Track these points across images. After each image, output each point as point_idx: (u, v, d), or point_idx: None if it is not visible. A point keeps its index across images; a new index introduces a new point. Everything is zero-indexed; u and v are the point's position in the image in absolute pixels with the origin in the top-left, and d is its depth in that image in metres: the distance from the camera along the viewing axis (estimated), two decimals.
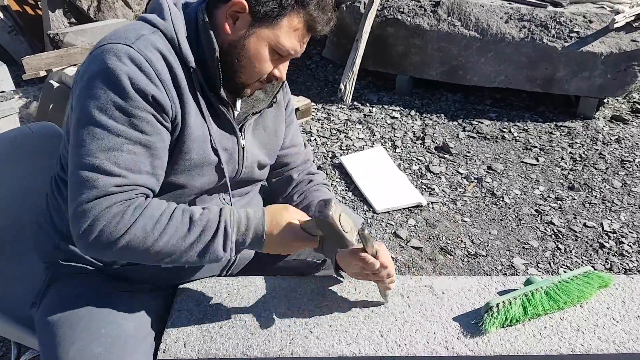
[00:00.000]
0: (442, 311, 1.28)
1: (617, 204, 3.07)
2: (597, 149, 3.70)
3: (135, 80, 1.03)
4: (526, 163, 3.54)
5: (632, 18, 3.98)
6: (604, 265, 2.57)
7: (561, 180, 3.34)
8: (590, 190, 3.22)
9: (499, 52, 4.18)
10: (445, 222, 2.92)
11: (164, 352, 1.15)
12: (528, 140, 3.83)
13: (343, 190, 3.20)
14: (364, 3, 4.60)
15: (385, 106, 4.33)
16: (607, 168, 3.47)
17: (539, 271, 2.54)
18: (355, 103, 4.37)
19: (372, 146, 3.72)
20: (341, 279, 1.36)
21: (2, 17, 5.16)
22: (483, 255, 2.65)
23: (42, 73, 4.08)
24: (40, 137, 1.52)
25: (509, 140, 3.83)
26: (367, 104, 4.36)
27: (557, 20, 4.11)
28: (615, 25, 3.92)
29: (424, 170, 3.44)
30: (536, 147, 3.73)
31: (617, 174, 3.40)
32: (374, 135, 3.89)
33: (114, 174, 1.02)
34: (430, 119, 4.13)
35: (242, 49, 1.13)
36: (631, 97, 4.46)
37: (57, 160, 1.28)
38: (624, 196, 3.15)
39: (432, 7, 4.41)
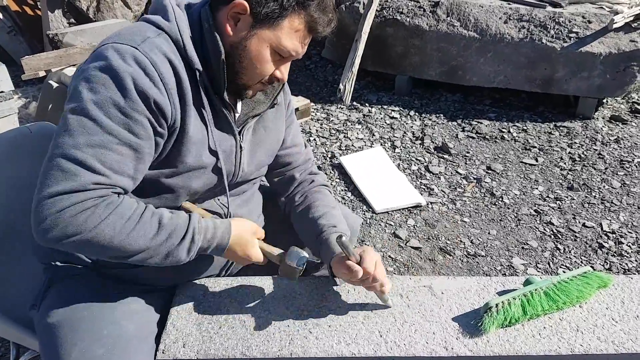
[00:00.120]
0: (441, 311, 1.28)
1: (616, 204, 3.07)
2: (596, 149, 3.70)
3: (139, 82, 1.03)
4: (525, 163, 3.54)
5: (631, 18, 3.98)
6: (603, 266, 2.57)
7: (560, 181, 3.34)
8: (589, 190, 3.22)
9: (498, 53, 4.19)
10: (445, 222, 2.92)
11: (163, 352, 1.15)
12: (527, 140, 3.83)
13: (342, 190, 3.20)
14: (363, 3, 4.60)
15: (385, 106, 4.33)
16: (606, 168, 3.47)
17: (538, 271, 2.54)
18: (354, 103, 4.37)
19: (371, 146, 3.72)
20: (338, 284, 1.36)
21: (1, 17, 5.16)
22: (482, 256, 2.65)
23: (41, 73, 4.08)
24: (40, 137, 1.52)
25: (508, 141, 3.83)
26: (367, 104, 4.36)
27: (556, 20, 4.11)
28: (614, 26, 3.93)
29: (423, 171, 3.44)
30: (535, 147, 3.74)
31: (616, 174, 3.41)
32: (373, 135, 3.89)
33: (97, 172, 1.01)
34: (430, 119, 4.13)
35: (243, 50, 1.13)
36: (630, 97, 4.46)
37: None
38: (623, 196, 3.15)
39: (431, 8, 4.42)
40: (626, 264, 2.58)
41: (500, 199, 3.13)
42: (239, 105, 1.27)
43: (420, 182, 3.31)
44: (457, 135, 3.90)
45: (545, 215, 2.97)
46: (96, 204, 1.01)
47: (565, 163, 3.54)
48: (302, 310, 1.27)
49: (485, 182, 3.30)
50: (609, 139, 3.84)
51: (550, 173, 3.43)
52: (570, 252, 2.67)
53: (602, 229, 2.85)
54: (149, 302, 1.28)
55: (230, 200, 1.32)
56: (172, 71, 1.09)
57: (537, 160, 3.57)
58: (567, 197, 3.14)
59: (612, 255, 2.64)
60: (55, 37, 4.58)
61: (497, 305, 1.23)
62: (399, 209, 3.01)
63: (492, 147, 3.75)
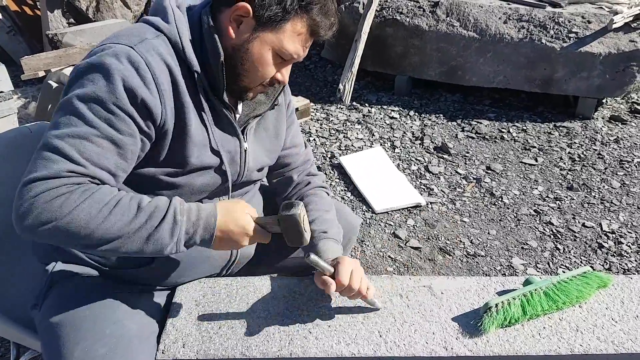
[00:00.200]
0: (441, 311, 1.28)
1: (615, 204, 3.07)
2: (595, 149, 3.70)
3: (128, 80, 1.03)
4: (525, 163, 3.54)
5: (631, 19, 3.98)
6: (602, 266, 2.57)
7: (560, 181, 3.34)
8: (589, 190, 3.22)
9: (497, 53, 4.19)
10: (444, 222, 2.92)
11: (162, 352, 1.15)
12: (527, 140, 3.83)
13: (342, 190, 3.20)
14: (363, 3, 4.60)
15: (384, 106, 4.33)
16: (605, 168, 3.47)
17: (538, 271, 2.54)
18: (354, 103, 4.37)
19: (371, 146, 3.72)
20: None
21: (0, 17, 5.16)
22: (482, 256, 2.65)
23: (41, 73, 4.08)
24: (40, 137, 1.51)
25: (507, 141, 3.83)
26: (366, 104, 4.36)
27: (556, 20, 4.11)
28: (614, 26, 3.93)
29: (422, 171, 3.44)
30: (535, 147, 3.74)
31: (616, 174, 3.41)
32: (373, 135, 3.89)
33: (74, 161, 1.00)
34: (429, 119, 4.13)
35: (245, 53, 1.14)
36: (630, 97, 4.47)
37: None
38: (623, 196, 3.16)
39: (431, 8, 4.42)
40: (626, 264, 2.58)
41: (500, 199, 3.13)
42: (240, 106, 1.28)
43: (420, 182, 3.31)
44: (456, 135, 3.90)
45: (545, 215, 2.97)
46: (71, 190, 0.98)
47: (564, 163, 3.54)
48: (301, 310, 1.27)
49: (485, 182, 3.30)
50: (609, 139, 3.84)
51: (550, 173, 3.43)
52: (569, 252, 2.67)
53: (601, 229, 2.85)
54: (150, 302, 1.28)
55: None
56: (168, 73, 1.09)
57: (536, 160, 3.57)
58: (566, 197, 3.14)
59: (611, 255, 2.64)
60: (55, 37, 4.58)
61: (496, 305, 1.23)
62: (399, 209, 3.01)
63: (492, 147, 3.75)
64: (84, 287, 1.23)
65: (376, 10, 4.52)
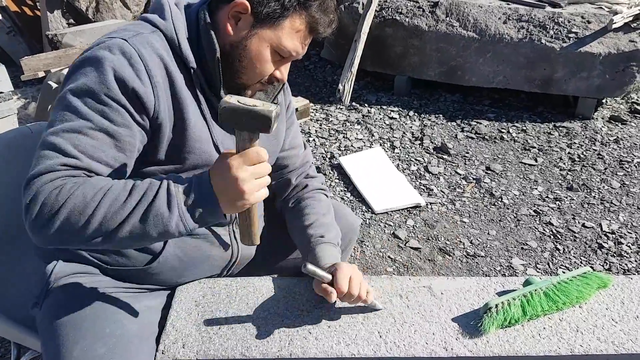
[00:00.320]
0: (441, 312, 1.28)
1: (615, 205, 3.07)
2: (595, 150, 3.70)
3: (119, 70, 1.03)
4: (525, 163, 3.54)
5: (630, 19, 3.98)
6: (602, 266, 2.57)
7: (560, 181, 3.34)
8: (588, 190, 3.23)
9: (497, 53, 4.19)
10: (444, 222, 2.92)
11: (162, 353, 1.15)
12: (526, 140, 3.83)
13: (342, 190, 3.20)
14: (363, 4, 4.60)
15: (384, 107, 4.33)
16: (605, 168, 3.47)
17: (538, 272, 2.54)
18: (353, 103, 4.37)
19: (370, 147, 3.72)
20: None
21: (0, 18, 5.16)
22: (482, 256, 2.65)
23: (41, 74, 4.08)
24: (40, 137, 1.52)
25: (507, 141, 3.83)
26: (366, 105, 4.36)
27: (556, 20, 4.11)
28: (614, 26, 3.93)
29: (422, 171, 3.44)
30: (535, 147, 3.74)
31: (616, 174, 3.41)
32: (373, 135, 3.89)
33: (69, 155, 0.99)
34: (429, 120, 4.13)
35: (243, 50, 1.13)
36: (629, 97, 4.47)
37: None
38: (623, 196, 3.16)
39: (431, 8, 4.42)
40: (626, 264, 2.58)
41: (500, 200, 3.13)
42: None
43: (420, 183, 3.31)
44: (456, 135, 3.90)
45: (545, 215, 2.97)
46: (65, 182, 0.97)
47: (564, 163, 3.54)
48: (301, 310, 1.27)
49: (485, 183, 3.30)
50: (609, 139, 3.84)
51: (550, 173, 3.43)
52: (569, 252, 2.67)
53: (601, 229, 2.85)
54: (151, 302, 1.28)
55: None
56: (163, 67, 1.09)
57: (536, 161, 3.57)
58: (566, 198, 3.14)
59: (611, 256, 2.64)
60: (55, 37, 4.58)
61: (496, 305, 1.23)
62: (399, 210, 3.01)
63: (492, 147, 3.75)
64: (85, 286, 1.23)
65: (376, 10, 4.52)
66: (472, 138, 3.87)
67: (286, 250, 1.58)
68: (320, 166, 3.44)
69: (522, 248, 2.71)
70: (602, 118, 4.16)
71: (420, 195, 3.14)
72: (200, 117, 1.16)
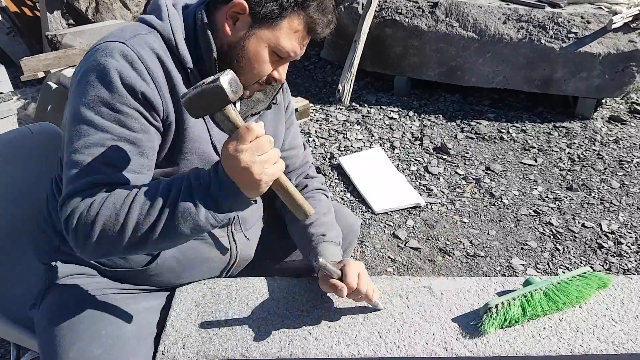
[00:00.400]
0: (441, 312, 1.28)
1: (615, 205, 3.07)
2: (595, 150, 3.70)
3: (125, 76, 1.03)
4: (524, 164, 3.54)
5: (630, 19, 3.99)
6: (602, 266, 2.57)
7: (559, 181, 3.34)
8: (588, 190, 3.23)
9: (497, 53, 4.19)
10: (444, 222, 2.92)
11: (162, 353, 1.15)
12: (526, 140, 3.83)
13: (341, 191, 3.20)
14: (362, 4, 4.60)
15: (384, 107, 4.33)
16: (605, 168, 3.47)
17: (538, 272, 2.55)
18: (353, 104, 4.37)
19: (370, 147, 3.72)
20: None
21: (0, 18, 5.16)
22: (482, 256, 2.65)
23: (41, 74, 4.07)
24: (40, 138, 1.52)
25: (507, 141, 3.83)
26: (366, 105, 4.36)
27: (555, 21, 4.11)
28: (613, 26, 3.93)
29: (422, 171, 3.44)
30: (534, 147, 3.74)
31: (616, 174, 3.41)
32: (373, 136, 3.89)
33: (96, 171, 1.02)
34: (429, 120, 4.13)
35: (241, 50, 1.13)
36: (629, 97, 4.47)
37: (57, 161, 1.28)
38: (623, 196, 3.16)
39: (430, 8, 4.42)
40: (625, 264, 2.58)
41: (500, 200, 3.13)
42: (238, 104, 1.27)
43: (420, 183, 3.31)
44: (456, 135, 3.90)
45: (545, 215, 2.97)
46: (95, 198, 1.00)
47: (564, 163, 3.54)
48: (301, 311, 1.27)
49: (485, 183, 3.30)
50: (608, 139, 3.84)
51: (550, 173, 3.43)
52: (569, 252, 2.67)
53: (601, 229, 2.85)
54: (149, 303, 1.28)
55: None
56: (161, 67, 1.09)
57: (536, 161, 3.57)
58: (566, 198, 3.14)
59: (611, 256, 2.64)
60: (54, 38, 4.58)
61: (496, 305, 1.23)
62: (398, 210, 3.01)
63: (491, 147, 3.75)
64: (82, 288, 1.23)
65: (375, 10, 4.52)
66: (472, 138, 3.87)
67: (285, 252, 1.58)
68: (320, 166, 3.44)
69: (522, 248, 2.71)
70: (602, 118, 4.16)
71: (420, 195, 3.14)
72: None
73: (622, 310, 1.29)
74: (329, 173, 3.39)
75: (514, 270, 2.55)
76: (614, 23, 3.92)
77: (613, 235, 2.79)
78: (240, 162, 0.95)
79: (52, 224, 1.28)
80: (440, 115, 4.20)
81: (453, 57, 4.33)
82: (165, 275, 1.29)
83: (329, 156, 3.61)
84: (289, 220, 1.47)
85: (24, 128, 1.52)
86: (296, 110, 3.95)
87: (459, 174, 3.40)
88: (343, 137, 3.87)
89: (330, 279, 1.19)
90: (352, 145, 3.75)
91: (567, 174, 3.42)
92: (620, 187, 3.26)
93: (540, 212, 3.00)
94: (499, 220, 2.94)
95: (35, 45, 5.22)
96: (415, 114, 4.22)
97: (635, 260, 2.60)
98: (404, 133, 3.93)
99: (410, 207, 3.03)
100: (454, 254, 2.66)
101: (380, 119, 4.14)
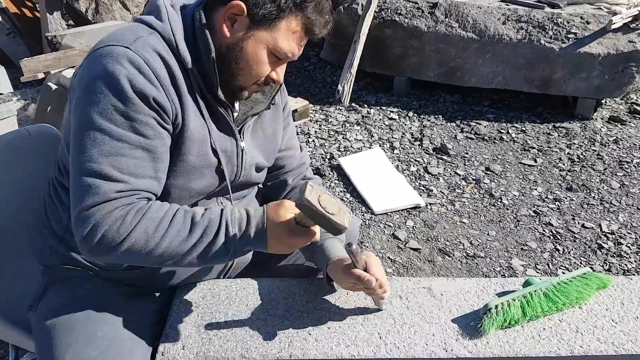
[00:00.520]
0: (440, 313, 1.28)
1: (615, 205, 3.07)
2: (595, 150, 3.70)
3: (135, 83, 1.03)
4: (524, 164, 3.54)
5: (629, 19, 3.99)
6: (602, 267, 2.57)
7: (559, 181, 3.34)
8: (588, 191, 3.23)
9: (496, 53, 4.19)
10: (444, 223, 2.92)
11: (162, 354, 1.15)
12: (526, 141, 3.83)
13: (341, 191, 3.20)
14: (362, 5, 4.60)
15: (383, 107, 4.33)
16: (605, 169, 3.47)
17: (538, 272, 2.54)
18: (353, 104, 4.37)
19: (370, 147, 3.72)
20: (335, 289, 1.34)
21: (0, 19, 5.16)
22: (481, 257, 2.65)
23: (40, 75, 4.07)
24: (39, 139, 1.52)
25: (507, 142, 3.83)
26: (365, 105, 4.36)
27: (555, 21, 4.11)
28: (613, 27, 3.93)
29: (422, 172, 3.44)
30: (534, 148, 3.74)
31: (615, 174, 3.41)
32: (372, 136, 3.89)
33: (116, 180, 1.02)
34: (428, 120, 4.13)
35: (240, 52, 1.13)
36: (629, 98, 4.47)
37: (55, 163, 1.28)
38: (622, 197, 3.16)
39: (430, 9, 4.42)
40: (625, 264, 2.58)
41: (499, 200, 3.13)
42: (237, 105, 1.27)
43: (419, 183, 3.31)
44: (455, 136, 3.90)
45: (545, 216, 2.97)
46: (125, 213, 1.01)
47: (564, 164, 3.54)
48: (301, 312, 1.27)
49: (484, 183, 3.30)
50: (608, 140, 3.84)
51: (549, 174, 3.43)
52: (569, 253, 2.67)
53: (601, 229, 2.85)
54: (146, 305, 1.28)
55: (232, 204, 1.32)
56: (165, 68, 1.09)
57: (536, 161, 3.57)
58: (566, 198, 3.14)
59: (611, 256, 2.64)
60: (54, 39, 4.58)
61: (496, 306, 1.22)
62: (398, 210, 3.01)
63: (491, 148, 3.75)
64: (79, 289, 1.23)
65: (375, 11, 4.53)
66: (472, 139, 3.87)
67: (283, 255, 1.57)
68: (319, 167, 3.44)
69: (521, 249, 2.71)
70: (602, 118, 4.16)
71: (420, 196, 3.14)
72: (199, 117, 1.16)
73: (622, 311, 1.29)
74: (329, 173, 3.39)
75: (513, 271, 2.55)
76: (614, 23, 3.92)
77: (613, 236, 2.79)
78: (293, 245, 1.12)
79: (50, 225, 1.28)
80: (440, 116, 4.20)
81: (453, 58, 4.33)
82: (162, 277, 1.29)
83: (328, 157, 3.61)
84: None
85: (23, 129, 1.52)
86: (296, 110, 3.95)
87: (459, 175, 3.40)
88: (343, 137, 3.87)
89: (355, 270, 1.18)
90: (351, 146, 3.75)
91: (567, 174, 3.42)
92: (620, 187, 3.26)
93: (540, 212, 3.00)
94: (499, 221, 2.94)
95: (35, 46, 5.22)
96: (415, 115, 4.22)
97: (635, 261, 2.60)
98: (403, 133, 3.93)
99: (410, 208, 3.03)
100: (453, 255, 2.66)
101: (380, 119, 4.14)
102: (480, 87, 4.37)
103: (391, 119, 4.15)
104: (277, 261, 1.57)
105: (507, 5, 4.37)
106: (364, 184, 3.21)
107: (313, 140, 3.82)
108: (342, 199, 3.12)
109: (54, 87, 3.62)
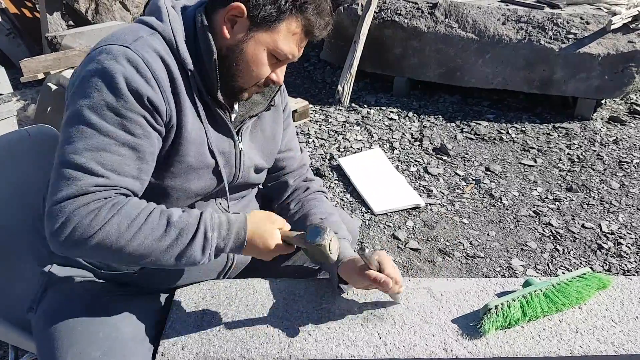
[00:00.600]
0: (440, 313, 1.28)
1: (615, 205, 3.07)
2: (594, 150, 3.70)
3: (131, 81, 1.03)
4: (524, 164, 3.54)
5: (629, 19, 3.99)
6: (602, 267, 2.57)
7: (559, 182, 3.34)
8: (588, 191, 3.23)
9: (496, 54, 4.19)
10: (444, 223, 2.92)
11: (162, 355, 1.15)
12: (526, 141, 3.83)
13: (341, 192, 3.20)
14: (362, 5, 4.61)
15: (383, 108, 4.34)
16: (605, 169, 3.47)
17: (538, 273, 2.54)
18: (353, 105, 4.37)
19: (370, 148, 3.72)
20: (344, 291, 1.34)
21: (0, 19, 5.16)
22: (481, 257, 2.65)
23: (40, 76, 4.07)
24: (38, 140, 1.52)
25: (506, 142, 3.83)
26: (365, 106, 4.36)
27: (554, 21, 4.12)
28: (612, 27, 3.93)
29: (422, 172, 3.44)
30: (534, 148, 3.74)
31: (615, 175, 3.41)
32: (372, 136, 3.89)
33: (97, 174, 1.01)
34: (428, 121, 4.13)
35: (240, 53, 1.13)
36: (628, 98, 4.47)
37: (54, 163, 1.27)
38: (622, 197, 3.16)
39: (430, 9, 4.42)
40: (625, 265, 2.58)
41: (499, 200, 3.13)
42: (236, 106, 1.28)
43: (419, 184, 3.31)
44: (455, 136, 3.90)
45: (544, 216, 2.97)
46: (100, 206, 1.00)
47: (564, 164, 3.54)
48: (301, 312, 1.27)
49: (484, 184, 3.30)
50: (608, 140, 3.84)
51: (549, 174, 3.43)
52: (569, 253, 2.67)
53: (601, 230, 2.85)
54: (147, 305, 1.28)
55: (230, 204, 1.32)
56: (165, 69, 1.09)
57: (535, 162, 3.57)
58: (566, 198, 3.14)
59: (611, 257, 2.64)
60: (54, 39, 4.58)
61: (496, 306, 1.22)
62: (398, 211, 3.01)
63: (491, 148, 3.75)
64: (79, 290, 1.23)
65: (375, 11, 4.53)
66: (472, 139, 3.87)
67: (283, 256, 1.57)
68: (319, 167, 3.44)
69: (521, 249, 2.71)
70: (601, 119, 4.16)
71: (420, 196, 3.14)
72: (197, 118, 1.16)
73: (621, 311, 1.29)
74: (329, 174, 3.39)
75: (513, 271, 2.55)
76: (613, 24, 3.92)
77: (613, 236, 2.79)
78: (265, 257, 1.19)
79: None
80: (440, 116, 4.20)
81: (452, 58, 4.33)
82: (161, 277, 1.29)
83: (328, 157, 3.61)
84: (293, 222, 1.46)
85: (22, 130, 1.52)
86: (296, 111, 3.95)
87: (459, 175, 3.40)
88: (342, 138, 3.87)
89: (370, 272, 1.18)
90: (351, 146, 3.75)
91: (567, 174, 3.42)
92: (619, 187, 3.26)
93: (540, 212, 3.00)
94: (499, 221, 2.94)
95: (35, 46, 5.22)
96: (415, 115, 4.23)
97: (635, 261, 2.60)
98: (403, 134, 3.94)
99: (410, 208, 3.03)
100: (453, 255, 2.66)
101: (380, 119, 4.14)
102: (480, 87, 4.37)
103: (391, 119, 4.16)
104: (277, 262, 1.57)
105: (507, 5, 4.37)
106: (364, 184, 3.21)
107: (313, 141, 3.82)
108: (342, 199, 3.12)
109: (53, 87, 3.62)
